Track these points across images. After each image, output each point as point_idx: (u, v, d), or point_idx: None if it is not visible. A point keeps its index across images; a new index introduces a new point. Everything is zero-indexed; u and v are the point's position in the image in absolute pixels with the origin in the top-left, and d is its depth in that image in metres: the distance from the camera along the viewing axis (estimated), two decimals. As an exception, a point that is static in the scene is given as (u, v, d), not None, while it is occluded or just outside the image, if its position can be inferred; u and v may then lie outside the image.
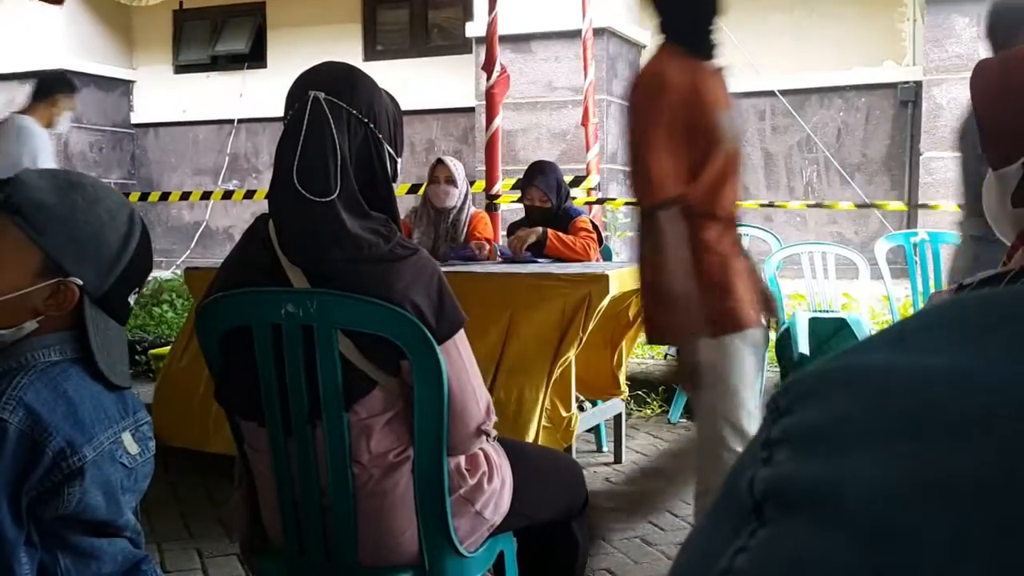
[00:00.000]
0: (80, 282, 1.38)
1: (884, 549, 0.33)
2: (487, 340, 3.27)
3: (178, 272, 8.68)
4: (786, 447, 0.38)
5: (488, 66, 5.08)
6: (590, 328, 3.36)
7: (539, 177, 4.46)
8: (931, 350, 0.38)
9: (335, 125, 1.77)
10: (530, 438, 3.30)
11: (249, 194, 7.21)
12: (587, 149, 6.39)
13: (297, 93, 1.82)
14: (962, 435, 0.34)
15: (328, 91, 1.79)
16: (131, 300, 1.48)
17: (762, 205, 7.20)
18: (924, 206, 6.90)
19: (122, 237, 1.43)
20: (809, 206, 7.67)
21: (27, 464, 1.28)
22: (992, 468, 0.33)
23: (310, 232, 1.75)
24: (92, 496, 1.34)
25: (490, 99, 5.11)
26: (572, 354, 3.35)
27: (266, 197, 1.87)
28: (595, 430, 4.42)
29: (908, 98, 8.07)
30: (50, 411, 1.30)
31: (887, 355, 0.39)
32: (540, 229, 4.24)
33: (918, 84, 7.92)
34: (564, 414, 3.45)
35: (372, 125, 1.81)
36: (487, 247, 4.25)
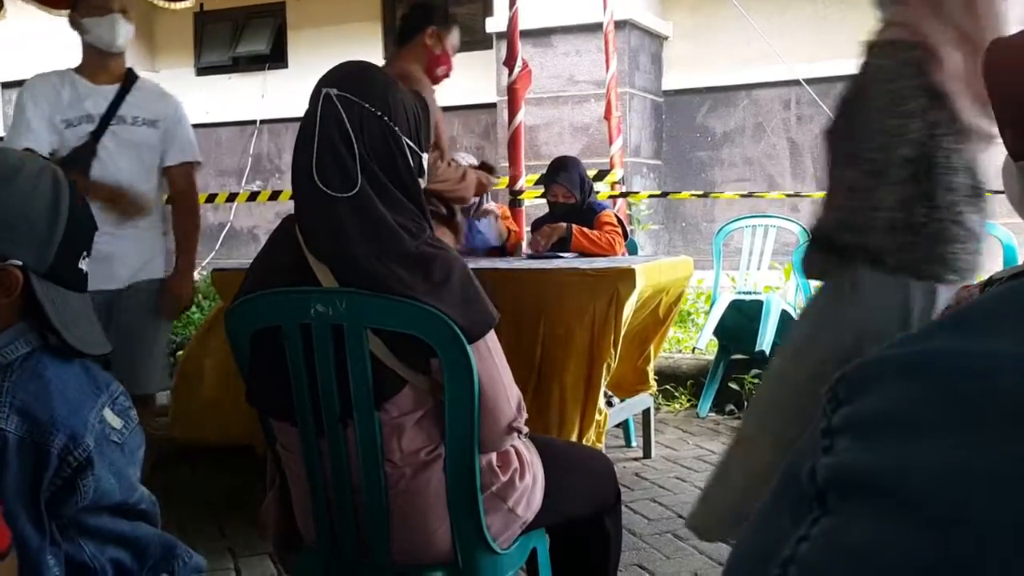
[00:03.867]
0: (20, 263, 1.31)
1: (951, 536, 0.32)
2: (523, 340, 3.26)
3: (204, 274, 8.74)
4: (847, 435, 0.38)
5: (509, 61, 5.06)
6: (623, 328, 3.34)
7: (562, 173, 4.46)
8: (991, 337, 0.37)
9: (348, 120, 1.77)
10: (573, 439, 3.30)
11: (274, 195, 7.25)
12: (610, 143, 6.36)
13: (313, 94, 1.82)
14: None
15: (340, 88, 1.79)
16: (83, 266, 1.40)
17: (788, 196, 7.16)
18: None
19: (50, 204, 1.34)
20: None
21: (35, 469, 1.25)
22: None
23: (334, 228, 1.74)
24: (105, 480, 1.32)
25: (512, 94, 5.10)
26: (612, 357, 3.33)
27: (291, 197, 1.87)
28: (624, 425, 4.41)
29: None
30: (44, 409, 1.27)
31: (947, 342, 0.38)
32: (564, 225, 4.23)
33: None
34: (596, 416, 3.44)
35: (387, 119, 1.80)
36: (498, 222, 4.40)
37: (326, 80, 1.82)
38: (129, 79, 3.40)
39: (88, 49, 3.37)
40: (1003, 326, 0.37)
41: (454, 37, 3.64)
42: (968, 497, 0.33)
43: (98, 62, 3.36)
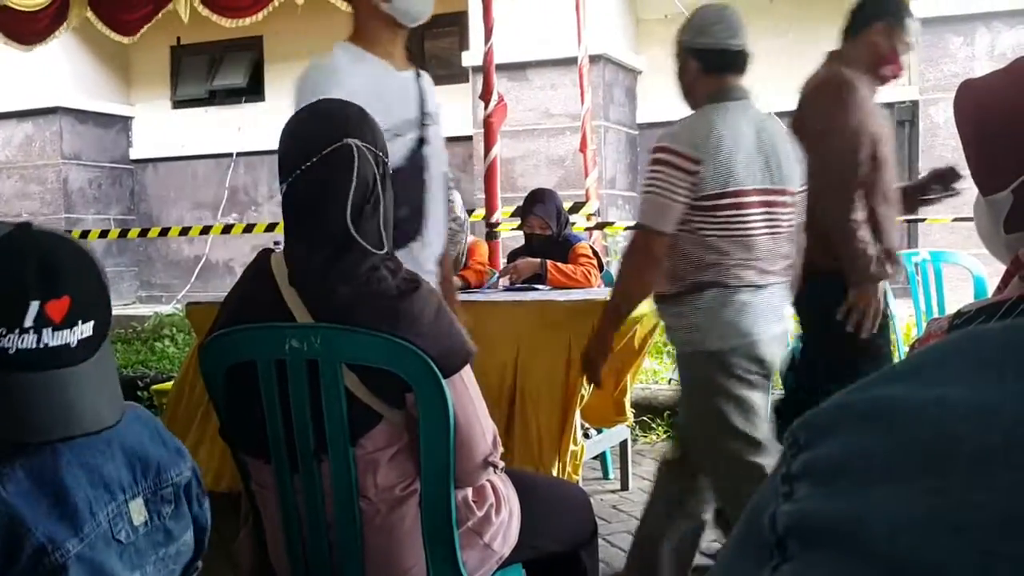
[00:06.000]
0: None
1: None
2: (497, 372, 3.26)
3: (179, 307, 8.69)
4: (807, 482, 0.38)
5: (485, 95, 5.10)
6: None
7: (538, 205, 4.48)
8: (950, 382, 0.38)
9: (362, 166, 1.78)
10: (553, 472, 3.29)
11: (249, 227, 7.22)
12: (585, 175, 6.40)
13: (324, 136, 1.78)
14: (985, 469, 0.34)
15: (361, 137, 1.79)
16: (8, 343, 1.21)
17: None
18: (923, 220, 6.92)
19: None
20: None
21: (5, 558, 1.18)
22: (1015, 501, 0.33)
23: (327, 269, 1.74)
24: None
25: (488, 128, 5.13)
26: (586, 390, 3.33)
27: (285, 231, 1.86)
28: (601, 457, 4.40)
29: (905, 118, 8.11)
30: (31, 503, 1.20)
31: (906, 388, 0.39)
32: (539, 262, 4.24)
33: (914, 104, 7.96)
34: (572, 447, 3.43)
35: (387, 161, 1.84)
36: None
37: (339, 129, 1.79)
38: (415, 61, 2.61)
39: (384, 25, 2.51)
40: (958, 373, 0.38)
41: (909, 33, 3.05)
42: (927, 543, 0.33)
43: (392, 42, 2.53)
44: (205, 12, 6.28)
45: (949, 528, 0.33)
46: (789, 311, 2.73)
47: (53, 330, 1.24)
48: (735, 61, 2.57)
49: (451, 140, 9.50)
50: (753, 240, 2.49)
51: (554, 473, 3.28)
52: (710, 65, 2.55)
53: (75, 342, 1.26)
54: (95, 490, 1.27)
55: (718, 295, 2.48)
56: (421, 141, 2.50)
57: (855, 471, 0.37)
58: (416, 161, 2.48)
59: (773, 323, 2.55)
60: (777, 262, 2.56)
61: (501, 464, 1.88)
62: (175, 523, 1.38)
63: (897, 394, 0.38)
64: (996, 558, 0.32)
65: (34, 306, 1.23)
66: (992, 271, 4.45)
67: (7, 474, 1.21)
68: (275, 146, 1.84)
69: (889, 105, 8.20)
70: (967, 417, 0.35)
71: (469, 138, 8.75)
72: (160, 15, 6.43)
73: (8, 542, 1.19)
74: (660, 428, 5.16)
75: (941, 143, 7.49)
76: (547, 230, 4.44)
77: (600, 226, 6.55)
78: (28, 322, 1.22)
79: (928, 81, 7.64)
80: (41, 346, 1.23)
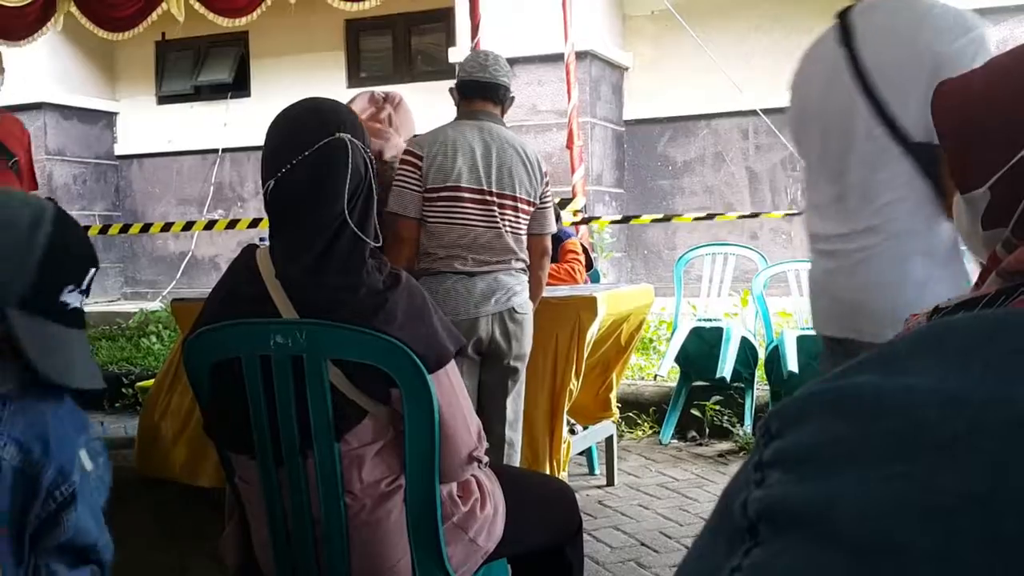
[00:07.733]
0: None
1: (876, 566, 0.34)
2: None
3: (164, 303, 8.65)
4: (778, 469, 0.39)
5: (472, 91, 5.09)
6: (585, 355, 3.35)
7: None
8: (918, 371, 0.38)
9: (355, 159, 1.78)
10: (545, 469, 3.29)
11: (232, 223, 7.19)
12: (572, 171, 6.41)
13: (317, 130, 1.79)
14: (950, 453, 0.35)
15: (352, 132, 1.80)
16: (71, 299, 1.41)
17: (742, 217, 7.30)
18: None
19: (23, 239, 1.37)
20: (789, 215, 7.70)
21: (25, 499, 1.28)
22: (979, 485, 0.34)
23: (321, 258, 1.75)
24: (84, 519, 1.34)
25: (474, 124, 5.12)
26: (575, 385, 3.34)
27: (271, 227, 1.86)
28: (587, 453, 4.41)
29: (888, 115, 8.13)
30: (38, 441, 1.30)
31: (875, 377, 0.40)
32: None
33: (898, 101, 7.98)
34: (560, 444, 3.44)
35: (372, 158, 1.84)
36: None
37: (333, 121, 1.81)
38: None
39: None
40: (927, 362, 0.39)
41: None
42: (894, 527, 0.34)
43: None
44: (202, 10, 6.26)
45: (916, 511, 0.34)
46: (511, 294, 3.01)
47: (83, 295, 1.45)
48: (478, 89, 3.15)
49: (437, 136, 9.50)
50: (467, 231, 2.95)
51: (543, 469, 3.29)
52: (461, 91, 3.19)
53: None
54: (73, 432, 1.39)
55: (427, 282, 2.91)
56: None
57: (825, 458, 0.37)
58: None
59: (483, 305, 2.96)
60: (497, 254, 2.98)
61: (486, 459, 1.89)
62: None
63: (867, 383, 0.39)
64: (960, 539, 0.32)
65: (92, 272, 1.46)
66: (972, 267, 4.48)
67: (10, 418, 1.32)
68: (261, 142, 1.84)
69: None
70: (934, 404, 0.36)
71: (456, 134, 8.73)
72: (154, 15, 6.40)
73: (25, 480, 1.29)
74: (646, 424, 5.18)
75: (925, 140, 7.52)
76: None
77: (586, 221, 6.57)
78: (85, 284, 1.45)
79: (912, 78, 7.67)
80: (81, 306, 1.44)
